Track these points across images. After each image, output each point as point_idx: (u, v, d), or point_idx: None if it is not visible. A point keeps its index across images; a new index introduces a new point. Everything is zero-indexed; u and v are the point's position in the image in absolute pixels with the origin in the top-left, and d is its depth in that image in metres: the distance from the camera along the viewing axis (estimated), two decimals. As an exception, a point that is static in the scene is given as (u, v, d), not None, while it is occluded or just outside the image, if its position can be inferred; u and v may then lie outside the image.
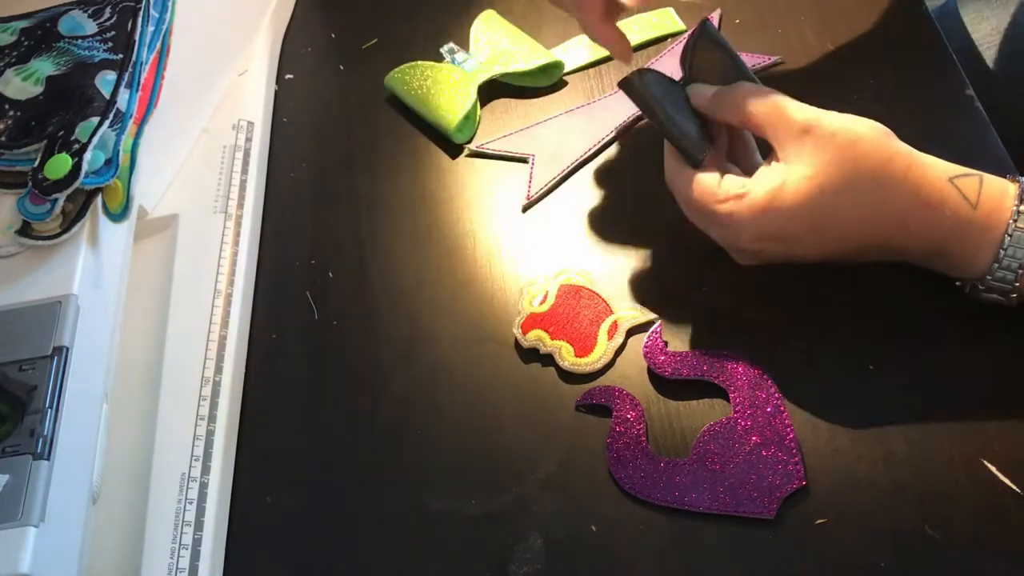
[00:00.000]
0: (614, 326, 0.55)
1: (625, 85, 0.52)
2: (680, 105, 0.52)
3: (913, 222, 0.47)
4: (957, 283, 0.50)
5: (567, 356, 0.54)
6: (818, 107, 0.48)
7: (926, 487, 0.47)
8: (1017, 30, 0.72)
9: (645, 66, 0.54)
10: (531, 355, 0.55)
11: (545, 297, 0.57)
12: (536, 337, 0.55)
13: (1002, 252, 0.46)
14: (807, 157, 0.46)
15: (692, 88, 0.52)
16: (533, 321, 0.56)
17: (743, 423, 0.50)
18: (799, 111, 0.48)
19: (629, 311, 0.55)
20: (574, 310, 0.56)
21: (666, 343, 0.54)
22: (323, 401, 0.57)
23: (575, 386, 0.54)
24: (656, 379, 0.53)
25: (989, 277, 0.47)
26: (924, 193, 0.46)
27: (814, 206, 0.46)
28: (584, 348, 0.54)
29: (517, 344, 0.55)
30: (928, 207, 0.46)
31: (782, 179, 0.47)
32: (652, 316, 0.55)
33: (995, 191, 0.47)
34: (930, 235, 0.47)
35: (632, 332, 0.55)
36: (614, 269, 0.57)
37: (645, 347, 0.53)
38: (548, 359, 0.55)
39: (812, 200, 0.46)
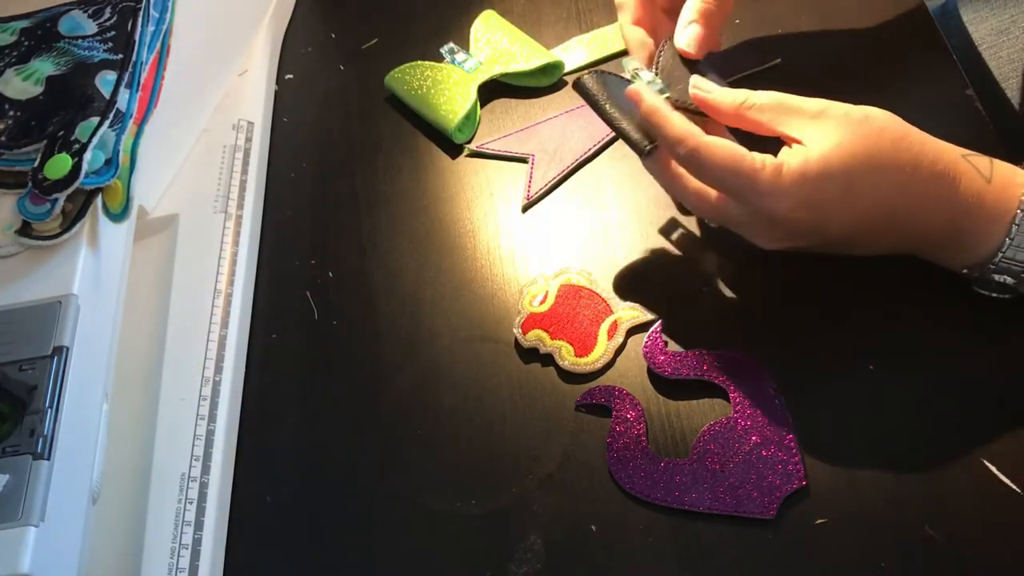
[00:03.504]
0: (614, 326, 0.55)
1: (578, 87, 0.55)
2: (626, 103, 0.54)
3: (935, 191, 0.47)
4: (964, 271, 0.50)
5: (567, 356, 0.54)
6: None
7: (926, 487, 0.47)
8: (1017, 30, 0.72)
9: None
10: (531, 355, 0.55)
11: (545, 297, 0.57)
12: (536, 337, 0.55)
13: (1015, 228, 0.47)
14: (830, 133, 0.47)
15: (693, 85, 0.52)
16: (533, 321, 0.56)
17: (743, 423, 0.50)
18: (807, 100, 0.49)
19: (629, 311, 0.55)
20: (574, 310, 0.56)
21: (666, 343, 0.54)
22: (323, 401, 0.57)
23: (575, 386, 0.54)
24: (656, 379, 0.53)
25: (1001, 254, 0.47)
26: (942, 165, 0.47)
27: (849, 169, 0.47)
28: (584, 348, 0.54)
29: (517, 344, 0.55)
30: (947, 178, 0.47)
31: (812, 151, 0.47)
32: (652, 316, 0.55)
33: (1006, 169, 0.48)
34: (950, 208, 0.48)
35: (632, 332, 0.55)
36: (614, 269, 0.57)
37: (645, 347, 0.53)
38: (548, 359, 0.55)
39: (846, 164, 0.47)
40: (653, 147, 0.52)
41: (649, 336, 0.54)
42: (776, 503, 0.48)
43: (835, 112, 0.48)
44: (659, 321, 0.54)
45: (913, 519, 0.46)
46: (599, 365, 0.54)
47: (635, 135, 0.53)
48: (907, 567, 0.45)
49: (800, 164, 0.47)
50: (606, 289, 0.56)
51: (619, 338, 0.54)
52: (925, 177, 0.47)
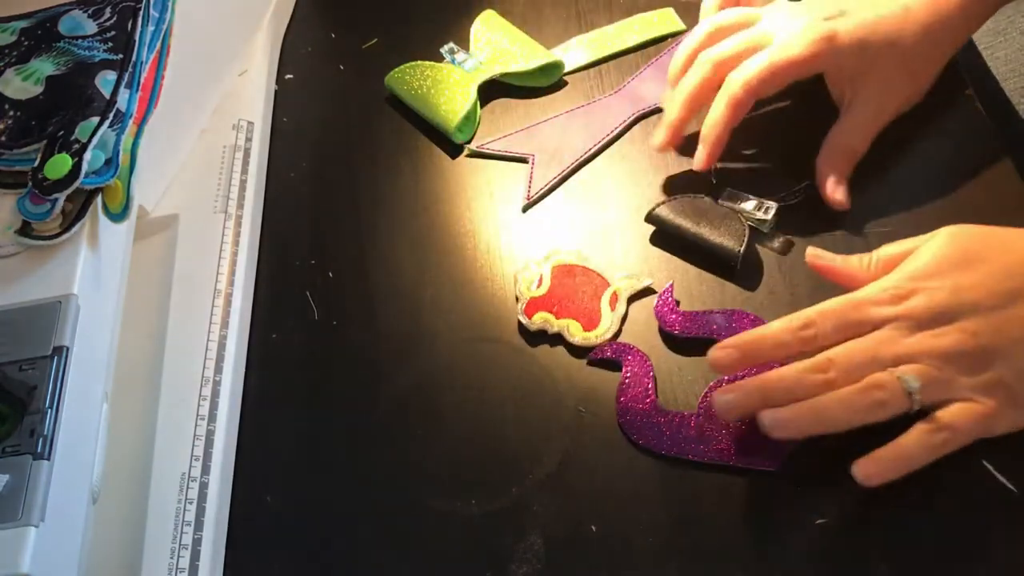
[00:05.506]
0: (614, 297, 0.56)
1: (652, 219, 0.57)
2: (708, 214, 0.57)
3: None
4: None
5: (576, 332, 0.55)
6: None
7: (926, 487, 0.47)
8: (1014, 30, 0.72)
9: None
10: (538, 338, 0.55)
11: (541, 280, 0.57)
12: (542, 319, 0.55)
13: None
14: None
15: (814, 255, 0.52)
16: (535, 305, 0.56)
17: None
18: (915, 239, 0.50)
19: (626, 280, 0.56)
20: (572, 288, 0.56)
21: (678, 302, 0.55)
22: (323, 401, 0.57)
23: (575, 386, 0.54)
24: (666, 337, 0.54)
25: None
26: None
27: (956, 246, 0.48)
28: (590, 322, 0.55)
29: (523, 329, 0.56)
30: None
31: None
32: (648, 281, 0.56)
33: None
34: None
35: (632, 300, 0.56)
36: (602, 245, 0.58)
37: (656, 306, 0.54)
38: (557, 339, 0.55)
39: (952, 244, 0.48)
40: (744, 251, 0.54)
41: (661, 296, 0.55)
42: (781, 455, 0.48)
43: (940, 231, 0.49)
44: (671, 283, 0.55)
45: (913, 519, 0.46)
46: (608, 336, 0.55)
47: (727, 243, 0.55)
48: (907, 567, 0.45)
49: (899, 247, 0.49)
50: (598, 264, 0.57)
51: (621, 307, 0.55)
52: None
